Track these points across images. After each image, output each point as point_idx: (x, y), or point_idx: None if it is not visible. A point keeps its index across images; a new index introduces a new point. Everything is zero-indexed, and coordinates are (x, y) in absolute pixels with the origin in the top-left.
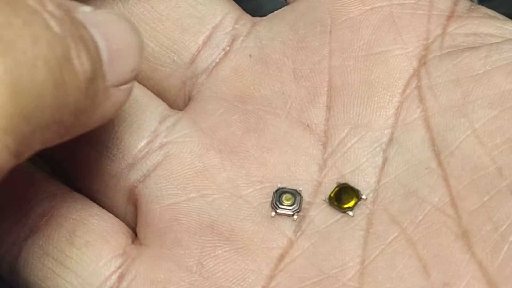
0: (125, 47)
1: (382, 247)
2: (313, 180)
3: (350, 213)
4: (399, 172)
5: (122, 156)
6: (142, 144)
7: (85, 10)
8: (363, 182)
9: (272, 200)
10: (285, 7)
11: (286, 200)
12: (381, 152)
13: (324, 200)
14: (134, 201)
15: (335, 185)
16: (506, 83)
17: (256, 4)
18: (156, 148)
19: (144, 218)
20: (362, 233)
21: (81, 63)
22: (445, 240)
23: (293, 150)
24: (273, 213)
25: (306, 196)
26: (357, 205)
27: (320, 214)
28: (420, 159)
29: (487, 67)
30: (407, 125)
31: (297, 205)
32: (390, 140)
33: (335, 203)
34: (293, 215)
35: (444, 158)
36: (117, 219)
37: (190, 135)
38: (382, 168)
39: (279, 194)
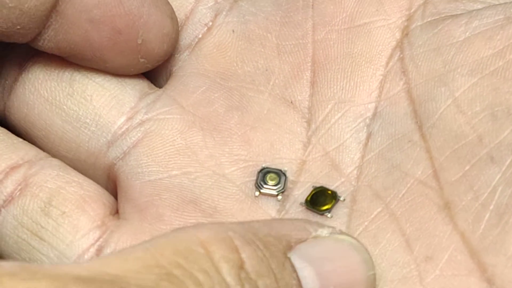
0: (347, 285)
1: (366, 223)
2: (297, 158)
3: (328, 214)
4: (383, 146)
5: (101, 133)
6: (122, 120)
7: (301, 247)
8: (347, 159)
9: (257, 180)
10: None
11: (271, 180)
12: (365, 127)
13: (301, 204)
14: (113, 179)
15: (311, 188)
16: (485, 49)
17: None
18: (136, 125)
19: (124, 194)
20: (346, 211)
21: None
22: (427, 212)
23: (277, 128)
24: (257, 193)
25: (290, 175)
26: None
27: (305, 193)
28: (403, 132)
29: (467, 33)
30: (391, 98)
31: (281, 185)
32: (374, 114)
33: (311, 207)
34: (277, 195)
35: (426, 129)
36: (97, 186)
37: (171, 112)
38: (366, 144)
39: (263, 173)
